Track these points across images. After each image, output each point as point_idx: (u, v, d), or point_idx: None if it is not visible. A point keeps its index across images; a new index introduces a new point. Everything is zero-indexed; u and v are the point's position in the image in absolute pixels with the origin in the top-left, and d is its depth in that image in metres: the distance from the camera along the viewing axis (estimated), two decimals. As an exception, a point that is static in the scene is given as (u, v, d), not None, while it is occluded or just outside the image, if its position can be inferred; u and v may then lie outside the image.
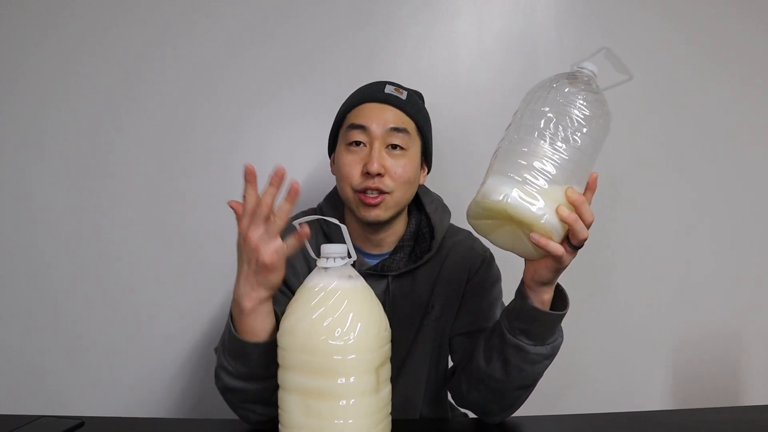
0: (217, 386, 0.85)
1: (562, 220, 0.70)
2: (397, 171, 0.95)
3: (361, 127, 0.96)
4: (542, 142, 0.71)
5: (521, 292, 0.81)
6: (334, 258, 0.69)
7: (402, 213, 1.03)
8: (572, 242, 0.73)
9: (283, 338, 0.69)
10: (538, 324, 0.80)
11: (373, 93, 0.99)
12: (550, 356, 0.84)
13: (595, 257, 1.45)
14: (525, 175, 0.70)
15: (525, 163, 0.70)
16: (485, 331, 0.91)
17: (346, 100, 1.04)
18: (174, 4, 1.39)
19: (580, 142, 0.71)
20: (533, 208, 0.69)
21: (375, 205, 0.95)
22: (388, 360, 0.72)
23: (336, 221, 0.73)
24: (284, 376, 0.69)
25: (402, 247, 1.03)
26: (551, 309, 0.81)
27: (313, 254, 0.75)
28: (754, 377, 1.53)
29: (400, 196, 0.97)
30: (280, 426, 0.70)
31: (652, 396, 1.51)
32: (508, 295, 0.89)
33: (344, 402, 0.66)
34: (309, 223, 0.75)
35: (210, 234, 1.37)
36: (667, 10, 1.48)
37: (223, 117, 1.39)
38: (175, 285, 1.39)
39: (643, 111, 1.47)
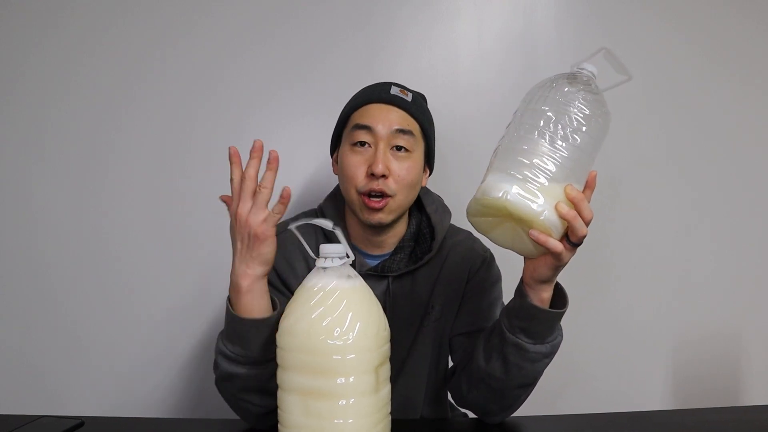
0: (215, 376, 0.85)
1: (561, 217, 0.70)
2: (401, 173, 0.95)
3: (367, 128, 0.96)
4: (542, 140, 0.71)
5: (520, 290, 0.81)
6: (333, 258, 0.69)
7: (403, 215, 1.03)
8: (571, 239, 0.73)
9: (282, 338, 0.69)
10: (538, 322, 0.81)
11: (379, 94, 0.99)
12: (550, 355, 0.84)
13: (595, 257, 1.45)
14: (525, 172, 0.70)
15: (525, 160, 0.71)
16: (485, 331, 0.91)
17: (351, 99, 1.04)
18: (174, 4, 1.39)
19: (579, 140, 0.71)
20: (532, 205, 0.69)
21: (378, 209, 0.95)
22: (388, 360, 0.72)
23: (330, 225, 0.72)
24: (284, 376, 0.69)
25: (402, 247, 1.03)
26: (551, 307, 0.81)
27: (312, 254, 0.75)
28: (754, 377, 1.53)
29: (402, 199, 0.97)
30: (279, 426, 0.70)
31: (652, 396, 1.51)
32: (508, 295, 0.89)
33: (344, 402, 0.66)
34: (307, 224, 0.76)
35: (210, 234, 1.37)
36: (667, 10, 1.48)
37: (223, 117, 1.39)
38: (175, 285, 1.39)
39: (642, 111, 1.47)
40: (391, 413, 0.74)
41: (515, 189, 0.69)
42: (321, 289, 0.68)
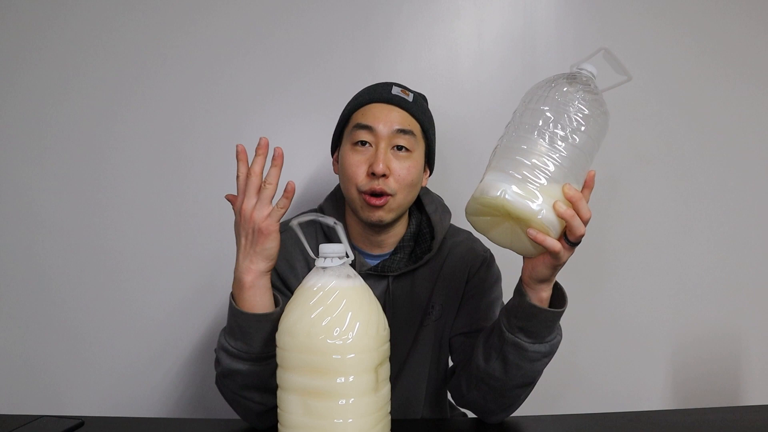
0: (216, 373, 0.85)
1: (559, 216, 0.70)
2: (402, 173, 0.95)
3: (368, 128, 0.96)
4: (541, 140, 0.71)
5: (519, 289, 0.81)
6: (332, 258, 0.69)
7: (403, 214, 1.03)
8: (569, 238, 0.73)
9: (282, 338, 0.69)
10: (537, 321, 0.81)
11: (380, 93, 0.99)
12: (549, 354, 0.84)
13: (594, 256, 1.45)
14: (523, 171, 0.70)
15: (523, 160, 0.71)
16: (484, 330, 0.91)
17: (352, 99, 1.04)
18: (174, 4, 1.39)
19: (578, 140, 0.71)
20: (530, 204, 0.69)
21: (379, 207, 0.95)
22: (387, 359, 0.72)
23: (331, 221, 0.73)
24: (283, 376, 0.69)
25: (402, 247, 1.03)
26: (550, 307, 0.81)
27: (312, 254, 0.75)
28: (754, 377, 1.53)
29: (402, 198, 0.97)
30: (279, 426, 0.71)
31: (652, 396, 1.51)
32: (508, 295, 0.90)
33: (343, 401, 0.66)
34: (307, 223, 0.76)
35: (210, 234, 1.37)
36: (667, 10, 1.48)
37: (223, 117, 1.39)
38: (175, 285, 1.39)
39: (642, 111, 1.47)
40: (391, 413, 0.74)
41: (513, 188, 0.69)
42: (321, 288, 0.68)
